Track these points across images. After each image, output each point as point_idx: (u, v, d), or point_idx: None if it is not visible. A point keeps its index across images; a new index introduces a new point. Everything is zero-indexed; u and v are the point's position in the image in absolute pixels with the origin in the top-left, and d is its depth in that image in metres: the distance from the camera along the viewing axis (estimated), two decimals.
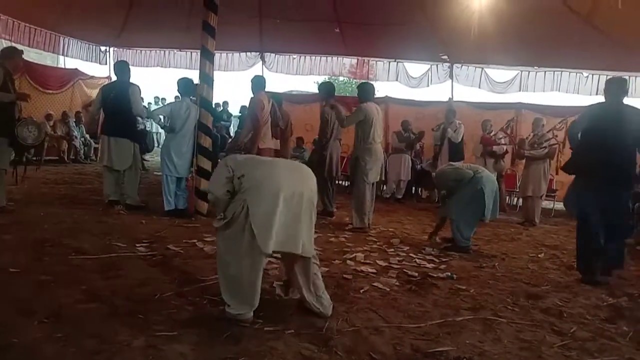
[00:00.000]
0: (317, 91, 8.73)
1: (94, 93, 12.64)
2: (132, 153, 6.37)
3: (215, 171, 3.16)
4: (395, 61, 11.82)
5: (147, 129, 12.52)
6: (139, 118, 6.91)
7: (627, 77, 9.18)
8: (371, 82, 7.65)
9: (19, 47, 6.30)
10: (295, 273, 3.16)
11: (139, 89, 6.42)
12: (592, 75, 10.25)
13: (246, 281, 2.96)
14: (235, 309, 2.97)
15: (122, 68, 6.54)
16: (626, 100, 4.55)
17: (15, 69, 5.62)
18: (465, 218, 5.40)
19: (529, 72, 10.82)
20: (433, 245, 5.68)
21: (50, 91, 11.73)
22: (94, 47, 12.95)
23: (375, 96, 6.80)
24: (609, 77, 9.98)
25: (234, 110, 14.87)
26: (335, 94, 7.55)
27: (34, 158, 8.11)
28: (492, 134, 8.80)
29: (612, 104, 4.47)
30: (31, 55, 12.15)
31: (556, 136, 7.95)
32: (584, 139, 4.50)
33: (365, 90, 6.59)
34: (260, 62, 12.42)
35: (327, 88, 7.29)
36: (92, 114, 6.68)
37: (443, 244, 5.67)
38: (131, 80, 6.44)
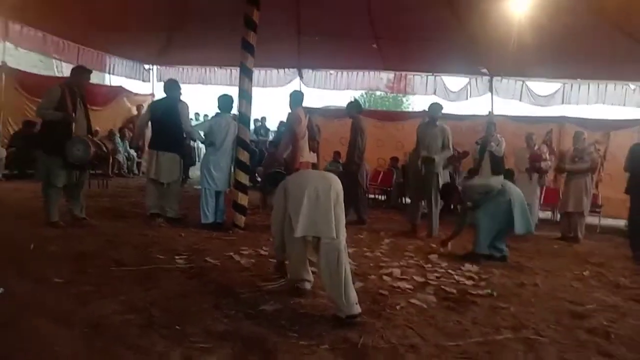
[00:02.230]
0: None
1: (134, 109, 13.13)
2: (179, 167, 6.48)
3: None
4: (433, 75, 11.69)
5: (193, 144, 12.73)
6: (188, 135, 6.93)
7: None
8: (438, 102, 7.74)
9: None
10: (321, 264, 3.49)
11: (187, 107, 6.52)
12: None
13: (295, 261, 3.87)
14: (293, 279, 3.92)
15: (172, 86, 6.58)
16: None
17: (81, 87, 5.84)
18: (489, 225, 5.50)
19: (572, 84, 10.53)
20: (446, 251, 5.88)
21: (96, 107, 12.12)
22: (138, 65, 13.36)
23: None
24: None
25: (272, 125, 14.97)
26: (373, 108, 7.86)
27: (95, 172, 7.95)
28: (536, 148, 8.56)
29: None
30: None
31: (598, 150, 7.67)
32: (630, 168, 6.58)
33: (438, 109, 7.22)
34: (298, 77, 12.53)
35: (355, 106, 7.88)
36: (140, 127, 6.86)
37: (461, 254, 5.72)
38: (181, 98, 6.55)
